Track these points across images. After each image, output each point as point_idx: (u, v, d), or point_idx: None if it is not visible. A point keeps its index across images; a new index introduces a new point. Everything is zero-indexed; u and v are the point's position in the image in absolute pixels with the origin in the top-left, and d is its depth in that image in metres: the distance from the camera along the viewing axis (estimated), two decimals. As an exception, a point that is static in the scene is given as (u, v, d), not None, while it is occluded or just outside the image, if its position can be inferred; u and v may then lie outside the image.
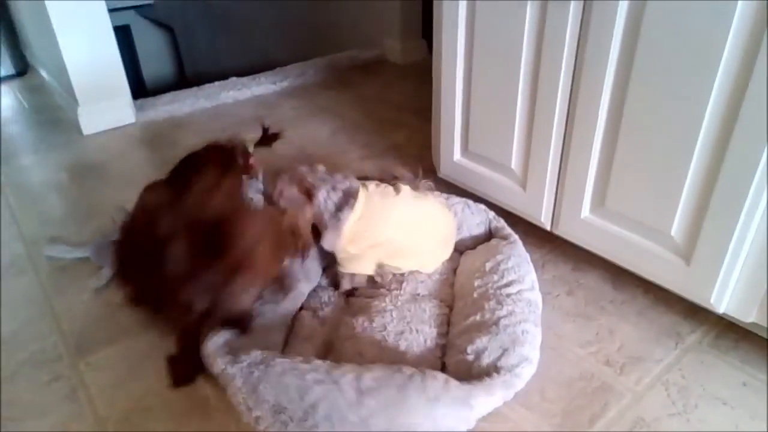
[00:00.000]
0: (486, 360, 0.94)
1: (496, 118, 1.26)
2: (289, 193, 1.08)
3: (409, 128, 2.04)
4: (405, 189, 1.16)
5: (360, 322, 1.05)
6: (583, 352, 1.08)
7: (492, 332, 0.98)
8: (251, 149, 1.35)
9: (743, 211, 0.90)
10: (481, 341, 0.97)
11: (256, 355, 0.91)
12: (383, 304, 1.09)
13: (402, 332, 1.02)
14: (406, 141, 1.96)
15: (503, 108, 1.23)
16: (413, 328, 1.02)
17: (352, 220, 1.08)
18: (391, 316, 1.05)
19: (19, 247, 1.49)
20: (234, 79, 2.53)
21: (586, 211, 1.15)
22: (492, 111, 1.27)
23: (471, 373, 0.93)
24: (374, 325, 1.04)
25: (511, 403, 0.98)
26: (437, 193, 1.32)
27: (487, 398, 0.88)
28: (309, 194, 1.09)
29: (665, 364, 1.05)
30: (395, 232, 1.13)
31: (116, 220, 1.45)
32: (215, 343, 0.95)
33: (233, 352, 0.94)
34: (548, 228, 1.26)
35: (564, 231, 1.22)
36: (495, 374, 0.91)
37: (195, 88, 2.44)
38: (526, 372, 0.94)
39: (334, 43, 2.98)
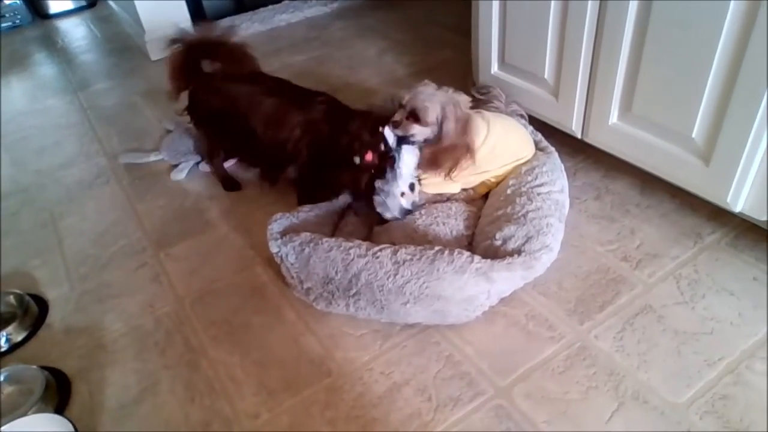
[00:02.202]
0: (512, 245, 1.04)
1: (530, 30, 1.29)
2: (460, 113, 1.14)
3: (455, 47, 2.07)
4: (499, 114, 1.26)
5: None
6: (602, 249, 1.17)
7: (520, 222, 1.07)
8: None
9: (759, 112, 0.93)
10: (509, 229, 1.07)
11: (306, 235, 1.06)
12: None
13: (430, 225, 1.13)
14: (451, 59, 2.00)
15: (537, 20, 1.26)
16: (440, 221, 1.14)
17: (477, 144, 1.16)
18: (420, 212, 1.17)
19: (103, 161, 1.69)
20: (287, 2, 2.59)
21: (614, 118, 1.20)
22: (526, 23, 1.30)
23: (497, 256, 1.04)
24: (405, 220, 1.16)
25: (531, 291, 1.09)
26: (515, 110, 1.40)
27: (507, 274, 0.99)
28: (469, 117, 1.15)
29: (680, 261, 1.12)
30: (487, 152, 1.21)
31: (169, 129, 1.66)
32: (271, 229, 1.10)
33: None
34: (579, 136, 1.31)
35: (594, 138, 1.27)
36: (516, 256, 1.01)
37: (250, 13, 2.53)
38: (546, 257, 1.04)
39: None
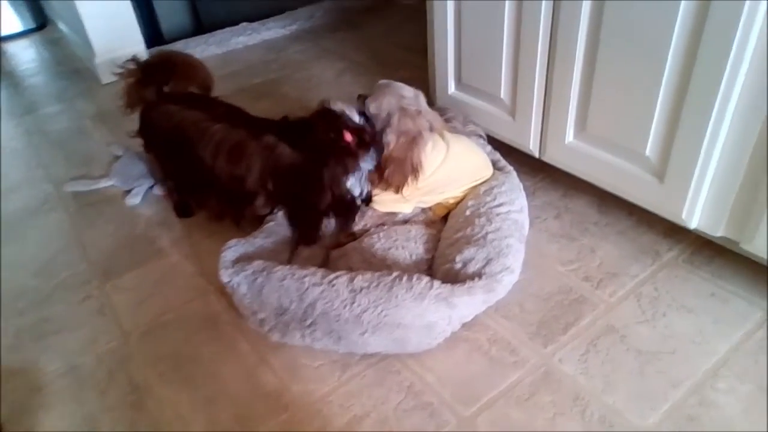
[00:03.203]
0: (472, 268, 1.02)
1: (485, 50, 1.29)
2: (404, 126, 1.09)
3: (413, 67, 2.06)
4: (459, 135, 1.24)
5: (351, 245, 1.14)
6: (564, 269, 1.16)
7: (480, 244, 1.05)
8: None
9: (709, 128, 0.93)
10: (469, 251, 1.04)
11: (259, 263, 1.01)
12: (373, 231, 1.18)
13: (389, 249, 1.10)
14: (409, 79, 1.97)
15: (491, 40, 1.26)
16: (399, 245, 1.11)
17: (435, 165, 1.14)
18: (378, 236, 1.13)
19: (49, 188, 1.61)
20: (244, 24, 2.56)
21: (570, 137, 1.20)
22: (481, 43, 1.30)
23: (458, 280, 1.01)
24: (363, 245, 1.12)
25: (493, 314, 1.07)
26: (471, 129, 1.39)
27: (468, 299, 0.96)
28: (420, 133, 1.10)
29: (640, 279, 1.11)
30: (445, 174, 1.19)
31: (120, 154, 1.59)
32: (224, 257, 1.05)
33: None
34: (536, 155, 1.31)
35: (551, 157, 1.27)
36: (477, 279, 0.99)
37: (206, 35, 2.49)
38: (507, 279, 1.02)
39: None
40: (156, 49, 1.35)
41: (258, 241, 1.13)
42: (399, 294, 0.93)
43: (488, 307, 1.04)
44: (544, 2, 1.11)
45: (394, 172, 1.09)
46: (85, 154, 1.75)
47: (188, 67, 1.37)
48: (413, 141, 1.08)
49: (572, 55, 1.10)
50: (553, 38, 1.13)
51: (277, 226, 1.21)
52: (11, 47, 2.76)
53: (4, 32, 2.81)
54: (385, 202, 1.18)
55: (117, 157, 1.65)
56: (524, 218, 1.15)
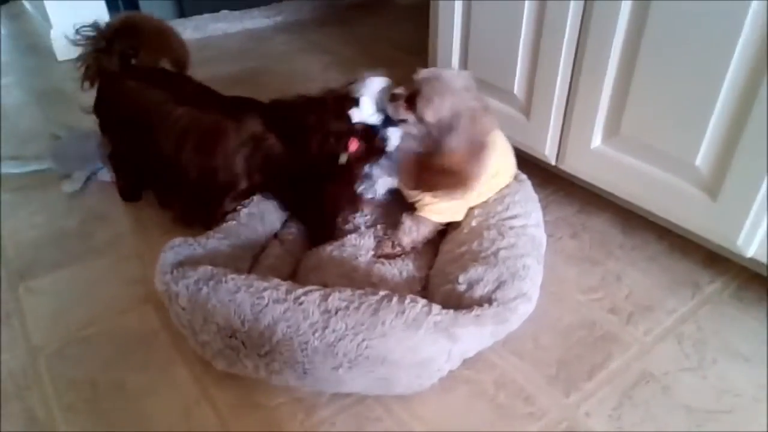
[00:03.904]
0: (479, 291, 0.80)
1: (499, 36, 1.10)
2: (473, 131, 0.86)
3: (405, 66, 1.84)
4: None
5: (328, 251, 0.92)
6: (585, 298, 0.95)
7: (489, 263, 0.84)
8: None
9: (787, 133, 0.75)
10: (475, 271, 0.83)
11: (206, 270, 0.78)
12: (357, 236, 0.96)
13: (374, 263, 0.89)
14: (401, 78, 1.80)
15: (507, 24, 1.07)
16: (386, 260, 0.89)
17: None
18: (366, 249, 0.92)
19: (-27, 168, 1.36)
20: (225, 12, 2.35)
21: (597, 141, 1.01)
22: (494, 27, 1.11)
23: (461, 304, 0.80)
24: (344, 255, 0.90)
25: (501, 349, 0.85)
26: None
27: (474, 329, 0.75)
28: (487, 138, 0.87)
29: (679, 315, 0.91)
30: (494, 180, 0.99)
31: (58, 135, 1.35)
32: (164, 259, 0.82)
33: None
34: (552, 162, 1.11)
35: (571, 165, 1.08)
36: (487, 305, 0.77)
37: (183, 19, 2.27)
38: (523, 309, 0.81)
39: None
40: (123, 13, 1.11)
41: (212, 242, 0.90)
42: (387, 319, 0.71)
43: (497, 340, 0.83)
44: (578, -24, 0.92)
45: (440, 181, 0.87)
46: (25, 132, 1.50)
47: (159, 36, 1.15)
48: (478, 153, 0.86)
49: (608, 41, 0.91)
50: (585, 21, 0.95)
51: (240, 226, 0.98)
52: (-33, 20, 2.51)
53: (-40, 3, 2.56)
54: (441, 210, 0.95)
55: (56, 138, 1.41)
56: (542, 235, 0.94)
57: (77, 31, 1.10)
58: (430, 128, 0.87)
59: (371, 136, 0.92)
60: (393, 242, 0.95)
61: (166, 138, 1.00)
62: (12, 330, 0.92)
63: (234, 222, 0.98)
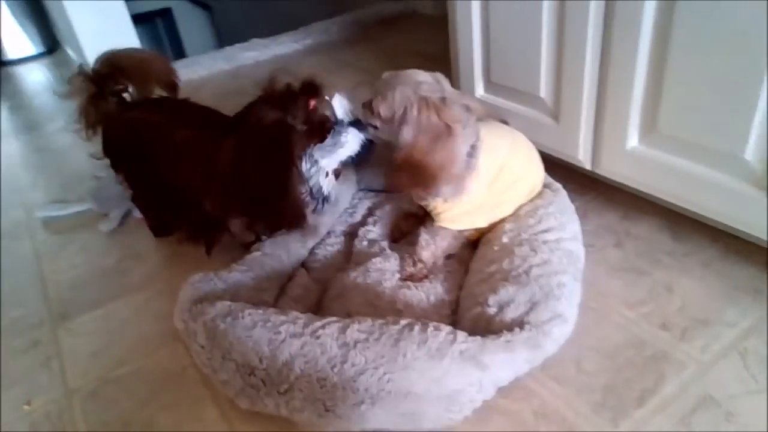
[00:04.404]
0: (511, 314, 0.75)
1: (520, 40, 1.05)
2: (425, 120, 0.81)
3: (438, 76, 1.84)
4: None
5: (352, 277, 0.89)
6: (632, 313, 0.87)
7: (521, 282, 0.79)
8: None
9: None
10: (506, 291, 0.78)
11: (223, 306, 0.76)
12: (383, 260, 0.92)
13: (399, 288, 0.85)
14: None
15: (527, 26, 1.02)
16: (413, 283, 0.85)
17: (493, 167, 0.88)
18: (391, 272, 0.88)
19: (20, 214, 1.42)
20: (255, 40, 2.39)
21: (633, 141, 0.93)
22: (514, 31, 1.06)
23: (490, 329, 0.75)
24: (368, 281, 0.87)
25: (540, 375, 0.79)
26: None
27: (505, 357, 0.70)
28: (447, 125, 0.81)
29: (741, 329, 0.82)
30: (519, 170, 0.94)
31: (98, 176, 1.38)
32: (183, 295, 0.81)
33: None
34: (588, 167, 1.04)
35: (607, 168, 1.01)
36: (518, 329, 0.72)
37: (214, 51, 2.33)
38: (559, 332, 0.75)
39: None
40: (101, 54, 1.12)
41: (234, 276, 0.89)
42: (408, 351, 0.67)
43: (533, 366, 0.77)
44: (598, -32, 0.86)
45: (410, 179, 0.83)
46: (69, 176, 1.56)
47: (140, 65, 1.16)
48: (438, 138, 0.81)
49: (636, 32, 0.84)
50: (608, 16, 0.88)
51: (264, 257, 0.97)
52: (21, 70, 2.67)
53: (13, 56, 2.73)
54: (455, 218, 0.90)
55: (97, 179, 1.45)
56: (579, 249, 0.88)
57: (67, 83, 1.11)
58: (388, 124, 0.83)
59: (324, 124, 0.90)
60: (414, 259, 0.91)
61: (166, 160, 1.01)
62: (51, 373, 0.94)
63: (258, 253, 0.97)
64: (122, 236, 1.27)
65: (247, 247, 1.02)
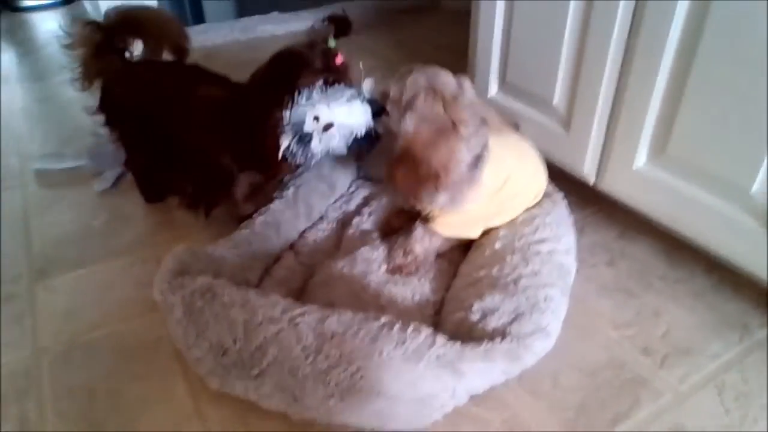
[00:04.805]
0: (494, 323, 0.74)
1: (541, 41, 1.02)
2: (430, 111, 0.77)
3: (455, 70, 1.80)
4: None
5: (339, 266, 0.87)
6: (616, 334, 0.86)
7: (508, 291, 0.77)
8: (332, 44, 0.95)
9: None
10: (492, 299, 0.76)
11: (203, 281, 0.74)
12: (372, 249, 0.91)
13: (386, 283, 0.83)
14: (444, 83, 1.74)
15: (550, 28, 0.99)
16: (400, 279, 0.84)
17: (498, 179, 0.84)
18: (378, 263, 0.87)
19: (15, 163, 1.40)
20: (275, 13, 2.36)
21: (641, 160, 0.91)
22: (537, 32, 1.03)
23: (471, 335, 0.74)
24: (354, 271, 0.85)
25: (516, 386, 0.78)
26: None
27: (482, 366, 0.68)
28: (454, 123, 0.78)
29: (723, 362, 0.81)
30: (523, 183, 0.92)
31: (96, 133, 1.36)
32: (164, 266, 0.79)
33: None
34: (591, 181, 1.02)
35: (611, 185, 0.99)
36: (499, 339, 0.71)
37: (232, 21, 2.30)
38: (540, 346, 0.73)
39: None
40: (114, 6, 1.09)
41: (219, 251, 0.87)
42: (385, 349, 0.66)
43: (509, 377, 0.76)
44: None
45: (406, 174, 0.80)
46: (70, 129, 1.54)
47: (153, 24, 1.13)
48: (441, 133, 0.78)
49: (660, 48, 0.82)
50: (635, 25, 0.86)
51: (252, 235, 0.95)
52: (35, 17, 2.63)
53: (29, 2, 2.69)
54: (450, 224, 0.89)
55: (97, 136, 1.43)
56: (571, 263, 0.86)
57: (71, 30, 1.08)
58: (395, 107, 0.80)
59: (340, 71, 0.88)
60: (405, 250, 0.90)
61: (178, 118, 1.00)
62: (22, 330, 0.92)
63: (247, 230, 0.95)
64: (114, 197, 1.26)
65: (240, 222, 1.00)
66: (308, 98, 0.85)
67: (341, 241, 1.00)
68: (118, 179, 1.30)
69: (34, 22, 2.59)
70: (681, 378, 0.79)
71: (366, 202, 1.09)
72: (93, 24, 1.08)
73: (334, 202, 1.09)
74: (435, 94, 0.77)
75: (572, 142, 1.02)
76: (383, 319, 0.69)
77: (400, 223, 0.99)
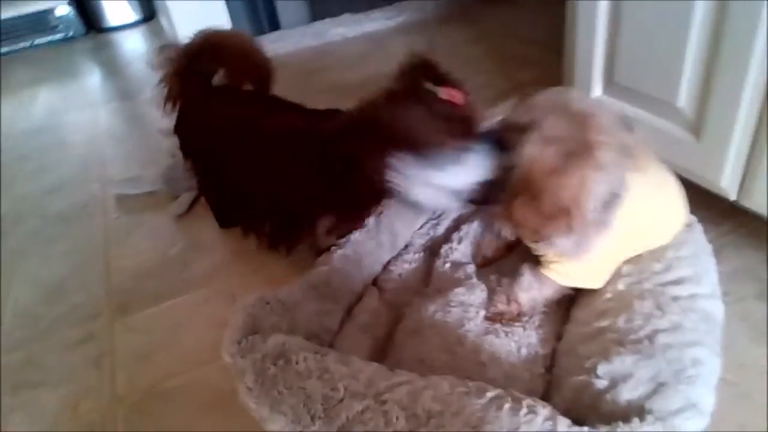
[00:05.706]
0: (627, 394, 0.59)
1: (659, 34, 0.85)
2: (560, 130, 0.63)
3: (539, 66, 1.64)
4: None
5: (430, 312, 0.75)
6: (781, 394, 0.69)
7: (642, 352, 0.62)
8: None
9: None
10: (621, 361, 0.62)
11: (276, 343, 0.65)
12: (467, 292, 0.78)
13: (486, 334, 0.70)
14: (533, 81, 1.57)
15: (671, 24, 0.82)
16: (501, 328, 0.71)
17: (631, 223, 0.68)
18: (476, 308, 0.74)
19: (97, 188, 1.40)
20: (346, 15, 2.28)
21: (804, 173, 0.73)
22: (652, 23, 0.86)
23: (598, 408, 0.59)
24: (448, 318, 0.73)
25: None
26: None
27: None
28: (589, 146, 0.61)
29: None
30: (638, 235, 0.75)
31: (174, 154, 1.32)
32: (234, 323, 0.71)
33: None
34: (732, 197, 0.84)
35: (758, 202, 0.80)
36: (637, 419, 0.56)
37: (304, 26, 2.23)
38: (692, 425, 0.58)
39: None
40: (200, 30, 1.04)
41: (294, 295, 0.78)
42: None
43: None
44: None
45: (526, 208, 0.64)
46: (150, 151, 1.52)
47: (243, 54, 1.08)
48: (571, 157, 0.62)
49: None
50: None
51: (332, 272, 0.85)
52: (118, 36, 2.72)
53: (113, 23, 2.77)
54: (568, 273, 0.73)
55: (174, 157, 1.40)
56: (719, 308, 0.69)
57: (158, 53, 1.06)
58: (519, 134, 0.64)
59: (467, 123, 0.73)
60: (508, 296, 0.76)
61: (253, 158, 0.93)
62: (102, 373, 0.88)
63: (325, 268, 0.86)
64: (190, 222, 1.21)
65: (318, 254, 0.91)
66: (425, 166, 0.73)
67: (430, 274, 0.88)
68: (194, 202, 1.26)
69: (118, 42, 2.67)
70: None
71: (456, 226, 0.96)
72: (174, 45, 1.05)
73: (420, 227, 0.97)
74: (566, 111, 0.63)
75: (705, 151, 0.85)
76: (489, 395, 0.56)
77: (496, 253, 0.86)
